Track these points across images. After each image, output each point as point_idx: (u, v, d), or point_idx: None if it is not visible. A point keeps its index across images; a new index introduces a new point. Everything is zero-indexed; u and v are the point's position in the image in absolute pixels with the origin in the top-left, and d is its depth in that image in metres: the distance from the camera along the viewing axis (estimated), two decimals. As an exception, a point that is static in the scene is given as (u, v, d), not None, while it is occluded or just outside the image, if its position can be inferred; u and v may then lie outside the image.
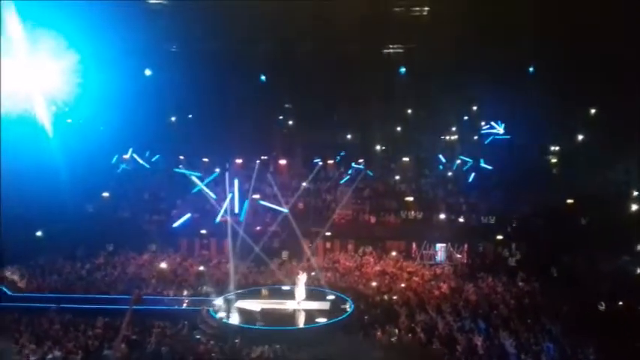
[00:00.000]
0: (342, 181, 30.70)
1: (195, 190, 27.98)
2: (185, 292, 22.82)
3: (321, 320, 19.87)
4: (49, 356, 16.71)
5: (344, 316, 20.29)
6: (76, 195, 27.36)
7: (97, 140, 29.34)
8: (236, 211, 26.64)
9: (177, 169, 29.86)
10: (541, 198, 28.24)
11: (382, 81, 30.60)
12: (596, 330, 18.09)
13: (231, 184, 26.55)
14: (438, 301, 21.53)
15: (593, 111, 30.98)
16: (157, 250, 27.78)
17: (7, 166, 22.71)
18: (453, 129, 35.41)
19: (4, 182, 23.07)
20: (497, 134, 33.12)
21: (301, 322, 20.18)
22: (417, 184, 32.28)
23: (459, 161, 32.77)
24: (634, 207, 27.14)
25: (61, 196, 25.97)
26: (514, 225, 27.92)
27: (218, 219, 26.17)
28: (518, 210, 28.60)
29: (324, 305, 21.42)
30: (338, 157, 34.27)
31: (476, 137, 34.24)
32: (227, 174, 27.35)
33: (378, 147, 35.36)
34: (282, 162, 33.73)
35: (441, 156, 33.59)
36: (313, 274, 24.51)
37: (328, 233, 27.73)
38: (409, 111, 34.96)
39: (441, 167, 33.45)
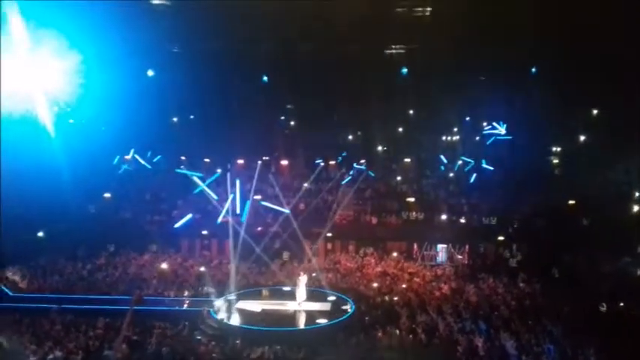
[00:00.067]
0: (343, 182, 30.68)
1: (196, 190, 27.91)
2: (186, 293, 22.84)
3: (322, 321, 19.86)
4: (50, 356, 16.71)
5: (345, 317, 20.27)
6: (78, 195, 27.37)
7: (98, 141, 29.31)
8: (237, 211, 26.62)
9: (178, 170, 29.80)
10: (542, 199, 28.29)
11: (383, 81, 30.59)
12: (598, 331, 18.09)
13: (233, 185, 26.52)
14: (439, 302, 21.54)
15: (594, 112, 30.95)
16: (158, 251, 27.84)
17: (8, 166, 22.72)
18: (455, 130, 35.44)
19: (5, 182, 23.08)
20: (499, 135, 33.06)
21: (302, 323, 20.18)
22: (418, 184, 32.33)
23: (460, 162, 32.79)
24: (635, 208, 27.09)
25: (62, 196, 26.00)
26: (515, 226, 27.95)
27: (219, 220, 26.16)
28: (519, 211, 28.63)
29: (324, 306, 21.41)
30: (339, 158, 34.27)
31: (477, 138, 34.23)
32: (228, 174, 27.28)
33: (379, 148, 35.39)
34: (284, 162, 33.78)
35: (442, 157, 33.62)
36: (314, 274, 24.53)
37: (329, 234, 27.75)
38: (411, 112, 34.98)
39: (442, 168, 33.50)
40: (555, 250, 25.54)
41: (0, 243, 23.46)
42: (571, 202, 27.98)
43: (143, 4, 26.52)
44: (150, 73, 30.06)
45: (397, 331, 18.78)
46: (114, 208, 30.06)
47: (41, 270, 25.07)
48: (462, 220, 28.77)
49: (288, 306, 21.42)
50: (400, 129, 35.53)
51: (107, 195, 30.18)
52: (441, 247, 27.81)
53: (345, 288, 23.60)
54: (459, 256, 27.52)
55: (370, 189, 31.68)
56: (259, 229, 27.54)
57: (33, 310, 20.22)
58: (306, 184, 30.57)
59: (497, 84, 29.57)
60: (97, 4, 23.03)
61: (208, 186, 27.54)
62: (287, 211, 26.92)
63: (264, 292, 22.90)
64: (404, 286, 23.64)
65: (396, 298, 21.94)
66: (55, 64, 20.97)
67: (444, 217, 28.73)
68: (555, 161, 32.96)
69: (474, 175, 31.39)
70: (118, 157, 32.79)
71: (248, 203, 26.57)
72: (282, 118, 36.07)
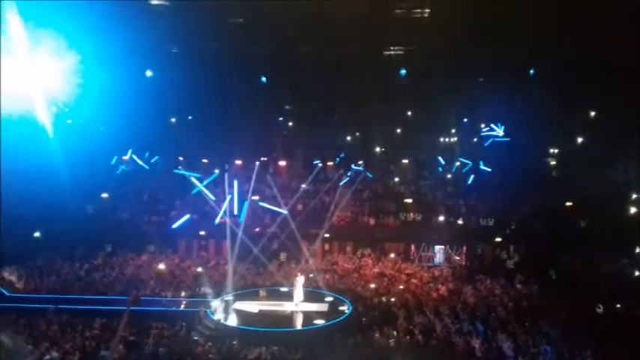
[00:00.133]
0: (341, 183, 30.69)
1: (194, 191, 27.98)
2: (183, 294, 22.83)
3: (320, 322, 19.87)
4: (47, 357, 16.67)
5: (342, 317, 20.27)
6: (76, 196, 27.36)
7: (96, 141, 29.30)
8: (235, 212, 26.63)
9: (176, 170, 29.83)
10: (540, 200, 28.31)
11: (382, 83, 30.62)
12: (595, 332, 18.10)
13: (231, 186, 26.55)
14: (436, 303, 21.56)
15: (592, 113, 30.97)
16: (155, 251, 27.80)
17: (6, 166, 22.67)
18: (453, 131, 35.43)
19: (2, 182, 23.04)
20: (497, 136, 33.09)
21: (299, 323, 20.18)
22: (416, 186, 32.35)
23: (458, 163, 32.78)
24: (633, 209, 27.10)
25: (60, 196, 25.99)
26: (513, 227, 27.99)
27: (217, 220, 26.15)
28: (516, 212, 28.66)
29: (322, 307, 21.43)
30: (337, 159, 34.26)
31: (475, 139, 34.25)
32: (226, 175, 27.34)
33: (377, 149, 35.39)
34: (282, 163, 33.76)
35: (440, 158, 33.63)
36: (312, 275, 24.52)
37: (327, 235, 27.75)
38: (409, 113, 34.98)
39: (440, 169, 33.49)
40: (553, 251, 25.56)
41: (-3, 243, 23.45)
42: (568, 203, 28.01)
43: (141, 5, 26.54)
44: (148, 73, 30.04)
45: (394, 332, 18.76)
46: (111, 208, 30.04)
47: (38, 270, 25.01)
48: (460, 222, 28.76)
49: (286, 307, 21.42)
50: (398, 130, 35.57)
51: (105, 195, 30.17)
52: (438, 248, 27.82)
53: (342, 289, 23.60)
54: (457, 258, 27.52)
55: (368, 190, 31.71)
56: (257, 229, 27.54)
57: (30, 311, 20.17)
58: (303, 185, 30.55)
59: (495, 85, 29.61)
60: (96, 5, 23.04)
61: (206, 187, 27.58)
62: (285, 211, 26.94)
63: (262, 292, 22.91)
64: (401, 287, 23.65)
65: (393, 299, 21.93)
66: (53, 64, 20.95)
67: (441, 218, 28.74)
68: (553, 162, 32.97)
69: (472, 177, 31.42)
70: (115, 157, 32.76)
71: (246, 204, 26.61)
72: (281, 118, 36.06)
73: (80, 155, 26.94)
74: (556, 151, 33.10)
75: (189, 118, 34.56)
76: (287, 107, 35.63)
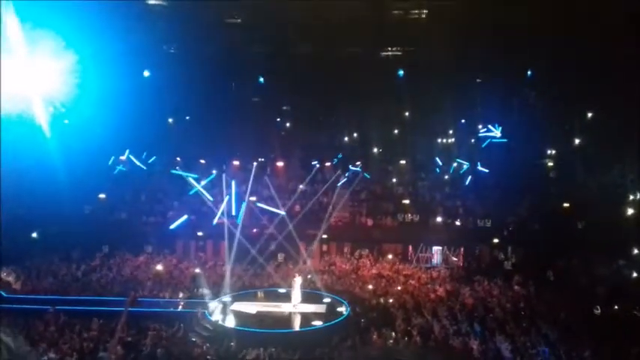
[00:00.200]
0: (339, 184, 30.68)
1: (192, 192, 27.94)
2: (181, 295, 22.73)
3: (317, 323, 19.86)
4: (44, 358, 16.59)
5: (340, 319, 20.26)
6: (73, 196, 27.20)
7: (94, 141, 29.14)
8: (233, 213, 26.61)
9: (174, 171, 29.78)
10: (537, 201, 28.34)
11: (380, 83, 30.57)
12: (592, 334, 18.14)
13: (229, 186, 26.54)
14: (434, 305, 21.57)
15: (589, 115, 31.00)
16: (152, 252, 27.75)
17: (4, 166, 22.56)
18: (450, 132, 35.41)
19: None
20: (494, 137, 33.12)
21: (297, 324, 20.16)
22: (413, 186, 32.36)
23: (455, 164, 32.80)
24: (630, 211, 27.13)
25: (57, 197, 25.88)
26: (510, 228, 28.00)
27: (215, 221, 26.12)
28: (514, 213, 28.69)
29: (320, 308, 21.42)
30: (335, 160, 34.19)
31: (473, 140, 34.27)
32: (224, 176, 27.31)
33: (375, 149, 35.36)
34: (280, 164, 33.69)
35: (437, 159, 33.66)
36: (309, 276, 24.53)
37: (325, 236, 27.76)
38: (406, 114, 34.96)
39: (437, 170, 33.51)
40: (550, 252, 25.57)
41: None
42: (566, 204, 28.01)
43: (139, 5, 26.49)
44: (146, 73, 29.97)
45: (392, 334, 18.76)
46: (109, 209, 29.92)
47: (35, 271, 24.89)
48: (457, 223, 28.80)
49: (283, 308, 21.40)
50: (396, 131, 35.49)
51: (102, 196, 30.04)
52: (436, 249, 27.87)
53: (340, 290, 23.61)
54: (454, 259, 27.57)
55: (366, 191, 31.71)
56: (255, 230, 27.50)
57: (27, 312, 20.08)
58: (301, 186, 30.55)
59: (493, 86, 29.66)
60: (94, 5, 22.98)
61: (204, 187, 27.54)
62: (282, 212, 26.97)
63: (260, 293, 22.91)
64: (399, 288, 23.66)
65: (391, 301, 21.95)
66: (50, 64, 20.88)
67: (439, 219, 28.78)
68: (550, 164, 32.98)
69: (470, 178, 31.39)
70: (113, 157, 32.61)
71: (244, 205, 26.60)
72: (278, 119, 35.98)
73: (77, 155, 26.78)
74: (553, 152, 33.11)
75: (187, 118, 34.46)
76: (285, 108, 35.60)
